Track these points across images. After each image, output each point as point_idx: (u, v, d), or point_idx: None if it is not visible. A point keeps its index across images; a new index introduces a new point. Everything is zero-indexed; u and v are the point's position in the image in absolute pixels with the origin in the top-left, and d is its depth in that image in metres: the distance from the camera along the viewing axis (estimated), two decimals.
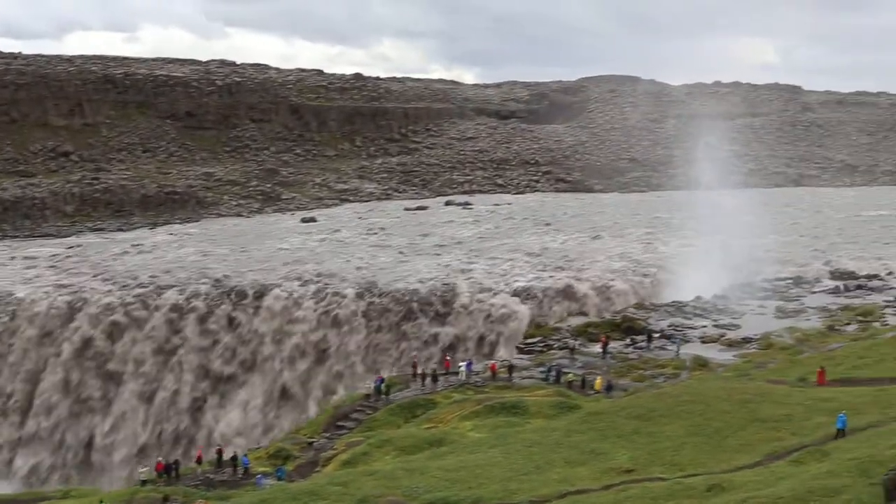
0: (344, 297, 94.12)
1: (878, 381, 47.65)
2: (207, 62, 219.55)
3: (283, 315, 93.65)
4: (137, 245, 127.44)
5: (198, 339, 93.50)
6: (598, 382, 59.01)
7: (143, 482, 49.24)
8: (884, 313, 79.85)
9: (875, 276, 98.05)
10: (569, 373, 61.62)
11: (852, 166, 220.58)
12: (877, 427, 36.55)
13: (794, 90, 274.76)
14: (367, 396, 61.56)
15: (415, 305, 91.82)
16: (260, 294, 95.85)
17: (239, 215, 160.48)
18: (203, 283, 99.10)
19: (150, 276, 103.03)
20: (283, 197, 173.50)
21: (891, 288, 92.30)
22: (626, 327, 77.78)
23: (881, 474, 27.42)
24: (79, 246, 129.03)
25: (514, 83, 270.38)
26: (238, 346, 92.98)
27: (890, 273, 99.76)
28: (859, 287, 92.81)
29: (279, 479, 46.62)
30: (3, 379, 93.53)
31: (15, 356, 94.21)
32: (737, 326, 78.16)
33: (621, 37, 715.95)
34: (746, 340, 72.71)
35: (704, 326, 78.58)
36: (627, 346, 72.46)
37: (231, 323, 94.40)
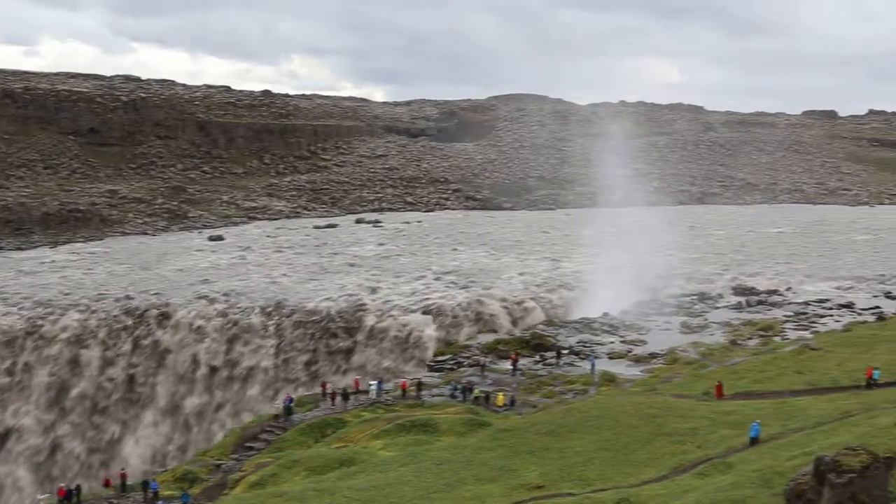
0: (247, 337, 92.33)
1: (779, 394, 48.87)
2: (111, 77, 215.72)
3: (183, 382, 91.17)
4: (26, 265, 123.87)
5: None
6: (500, 398, 59.43)
7: None
8: (784, 328, 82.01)
9: (775, 292, 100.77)
10: (475, 388, 61.84)
11: (753, 185, 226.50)
12: (778, 439, 37.43)
13: (697, 110, 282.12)
14: (277, 417, 60.77)
15: (324, 346, 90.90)
16: (163, 353, 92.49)
17: (144, 234, 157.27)
18: (101, 312, 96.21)
19: (44, 308, 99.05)
20: (190, 215, 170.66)
21: (790, 303, 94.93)
22: (536, 344, 78.37)
23: (782, 485, 28.06)
24: None
25: (424, 101, 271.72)
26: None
27: (789, 288, 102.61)
28: (760, 303, 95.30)
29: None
30: None
31: None
32: (643, 342, 79.46)
33: (530, 57, 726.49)
34: (653, 356, 73.97)
35: (612, 342, 79.72)
36: (537, 362, 73.00)
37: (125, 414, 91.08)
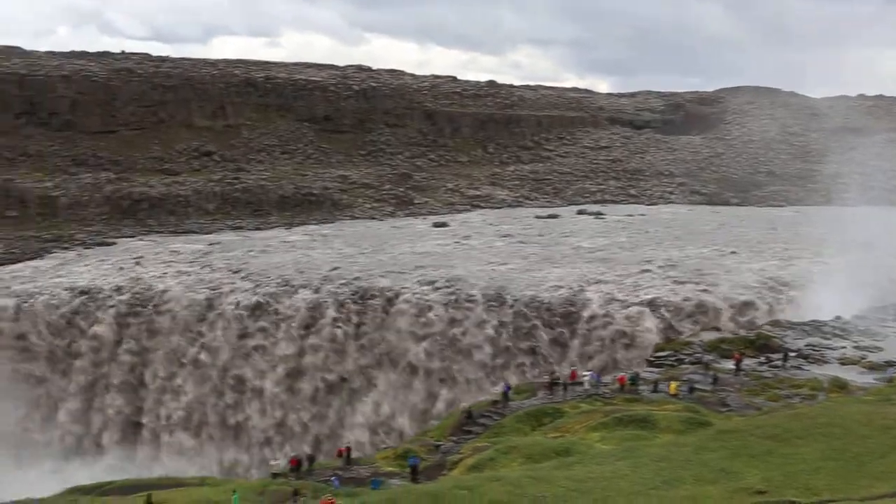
0: (469, 324, 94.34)
1: None
2: (345, 67, 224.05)
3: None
4: (270, 244, 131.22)
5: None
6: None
7: (275, 475, 50.55)
8: None
9: None
10: (699, 387, 60.78)
11: None
12: None
13: None
14: (495, 402, 61.71)
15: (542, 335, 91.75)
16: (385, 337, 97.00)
17: (372, 218, 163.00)
18: (332, 291, 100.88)
19: (279, 285, 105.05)
20: (416, 201, 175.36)
21: None
22: (761, 345, 75.72)
23: None
24: (218, 243, 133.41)
25: (649, 93, 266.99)
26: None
27: None
28: None
29: (411, 466, 48.09)
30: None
31: None
32: (879, 349, 75.18)
33: (760, 48, 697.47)
34: (890, 364, 69.87)
35: (844, 348, 75.83)
36: (762, 363, 70.55)
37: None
